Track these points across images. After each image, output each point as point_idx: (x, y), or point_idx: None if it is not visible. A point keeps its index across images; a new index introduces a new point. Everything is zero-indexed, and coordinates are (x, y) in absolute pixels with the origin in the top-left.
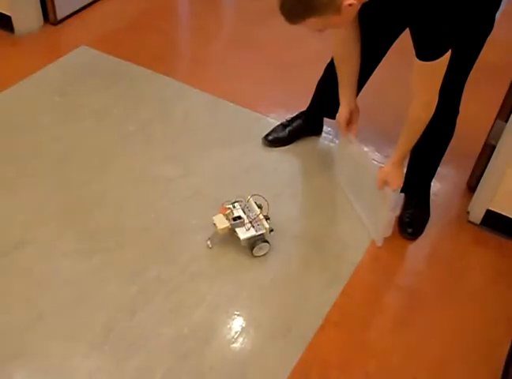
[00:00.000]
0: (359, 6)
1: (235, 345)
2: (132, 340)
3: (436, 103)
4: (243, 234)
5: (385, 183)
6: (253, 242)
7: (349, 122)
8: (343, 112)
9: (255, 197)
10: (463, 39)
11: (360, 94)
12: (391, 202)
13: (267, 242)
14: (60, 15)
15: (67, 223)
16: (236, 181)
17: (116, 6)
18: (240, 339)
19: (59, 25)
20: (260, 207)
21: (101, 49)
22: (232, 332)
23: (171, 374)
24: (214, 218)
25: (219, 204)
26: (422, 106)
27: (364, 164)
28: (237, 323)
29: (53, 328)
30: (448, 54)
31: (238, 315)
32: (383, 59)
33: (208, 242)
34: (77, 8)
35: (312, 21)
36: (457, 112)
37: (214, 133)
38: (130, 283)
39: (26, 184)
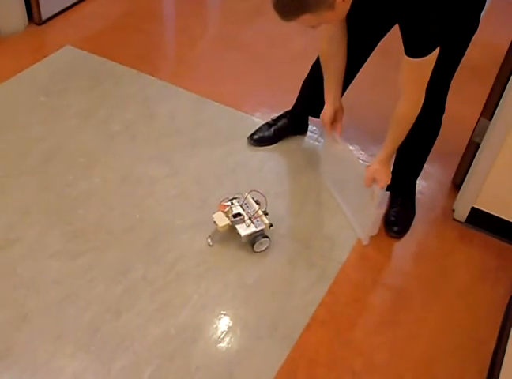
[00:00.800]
0: (351, 1)
1: (221, 345)
2: (118, 340)
3: (423, 101)
4: (244, 230)
5: (372, 181)
6: (253, 238)
7: (334, 121)
8: (328, 111)
9: (253, 193)
10: (449, 37)
11: (345, 93)
12: (378, 200)
13: (267, 237)
14: (45, 15)
15: (52, 222)
16: (222, 180)
17: (101, 6)
18: (227, 339)
19: (44, 25)
20: (258, 203)
21: (86, 49)
22: (219, 332)
23: (158, 374)
24: (214, 215)
25: (205, 203)
26: (409, 104)
27: (350, 162)
28: (223, 322)
29: (39, 328)
30: (436, 52)
31: (224, 314)
32: (368, 61)
33: (209, 240)
34: (62, 8)
35: (306, 18)
36: (443, 110)
37: (199, 132)
38: (116, 282)
39: (11, 184)
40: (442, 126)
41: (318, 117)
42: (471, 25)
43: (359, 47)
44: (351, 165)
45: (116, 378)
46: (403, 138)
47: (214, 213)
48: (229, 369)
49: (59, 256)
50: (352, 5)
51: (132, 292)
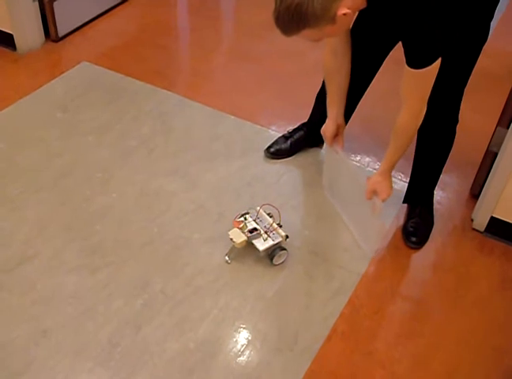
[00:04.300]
0: (353, 15)
1: (241, 358)
2: (138, 355)
3: (425, 112)
4: (262, 244)
5: (373, 193)
6: (272, 252)
7: (335, 135)
8: (330, 126)
9: (264, 206)
10: (458, 48)
11: (360, 104)
12: (380, 212)
13: (285, 249)
14: (61, 32)
15: (71, 238)
16: (239, 193)
17: (116, 23)
18: (246, 353)
19: (60, 42)
20: (270, 216)
21: (102, 65)
22: (238, 346)
23: None
24: (230, 233)
25: (222, 217)
26: (410, 115)
27: (352, 175)
28: (243, 336)
29: (58, 344)
30: (438, 63)
31: (243, 328)
32: (383, 70)
33: (227, 258)
34: (78, 25)
35: (307, 32)
36: (456, 120)
37: (216, 146)
38: (135, 297)
39: (29, 200)
40: (458, 136)
41: None
42: (480, 35)
43: (366, 63)
44: (353, 177)
45: None
46: (405, 150)
47: (229, 230)
48: None
49: (77, 271)
50: (357, 20)
51: (151, 306)
